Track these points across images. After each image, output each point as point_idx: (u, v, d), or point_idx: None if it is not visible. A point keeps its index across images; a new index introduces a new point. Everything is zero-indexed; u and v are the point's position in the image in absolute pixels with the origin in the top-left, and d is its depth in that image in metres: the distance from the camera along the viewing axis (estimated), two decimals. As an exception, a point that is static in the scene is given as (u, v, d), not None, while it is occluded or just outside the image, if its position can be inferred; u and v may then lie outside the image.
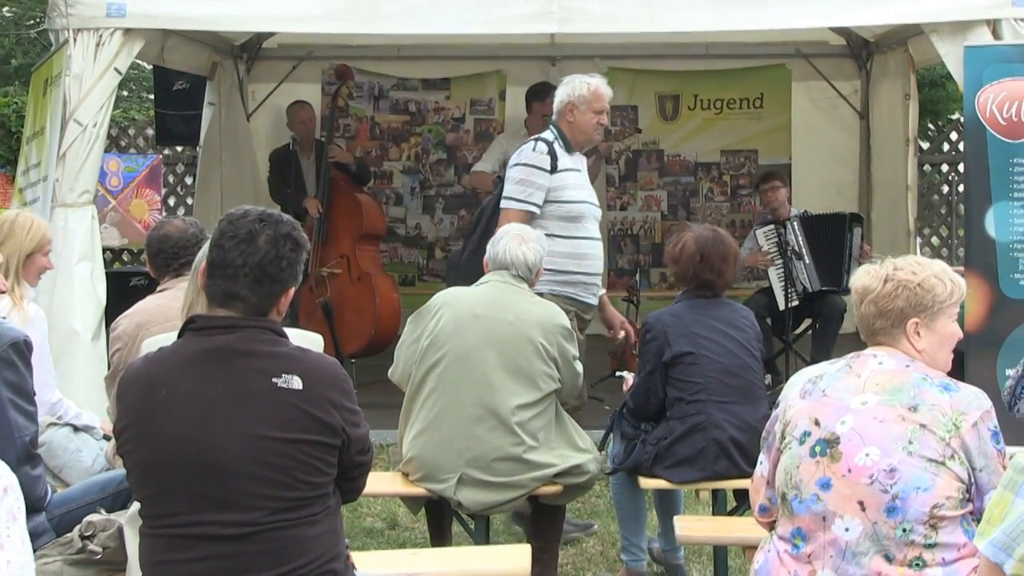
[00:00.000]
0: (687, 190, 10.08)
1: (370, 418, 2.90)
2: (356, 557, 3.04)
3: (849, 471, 2.80)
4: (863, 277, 3.01)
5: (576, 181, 5.28)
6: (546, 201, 5.17)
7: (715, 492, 4.65)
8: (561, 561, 4.84)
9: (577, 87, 5.29)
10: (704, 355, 4.49)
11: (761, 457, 3.13)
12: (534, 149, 5.23)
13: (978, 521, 2.61)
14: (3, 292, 3.86)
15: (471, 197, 9.97)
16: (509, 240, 4.53)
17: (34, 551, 3.31)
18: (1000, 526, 2.15)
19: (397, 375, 4.55)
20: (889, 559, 2.76)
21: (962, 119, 10.12)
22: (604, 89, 5.30)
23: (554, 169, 5.19)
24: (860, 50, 9.43)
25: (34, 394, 3.49)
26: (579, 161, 5.38)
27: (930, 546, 2.75)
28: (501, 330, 4.35)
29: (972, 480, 2.79)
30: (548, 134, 5.32)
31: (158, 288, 4.26)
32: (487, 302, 4.43)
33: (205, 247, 3.04)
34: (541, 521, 4.63)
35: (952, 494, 2.75)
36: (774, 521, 3.05)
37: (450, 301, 4.47)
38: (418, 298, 4.73)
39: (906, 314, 2.94)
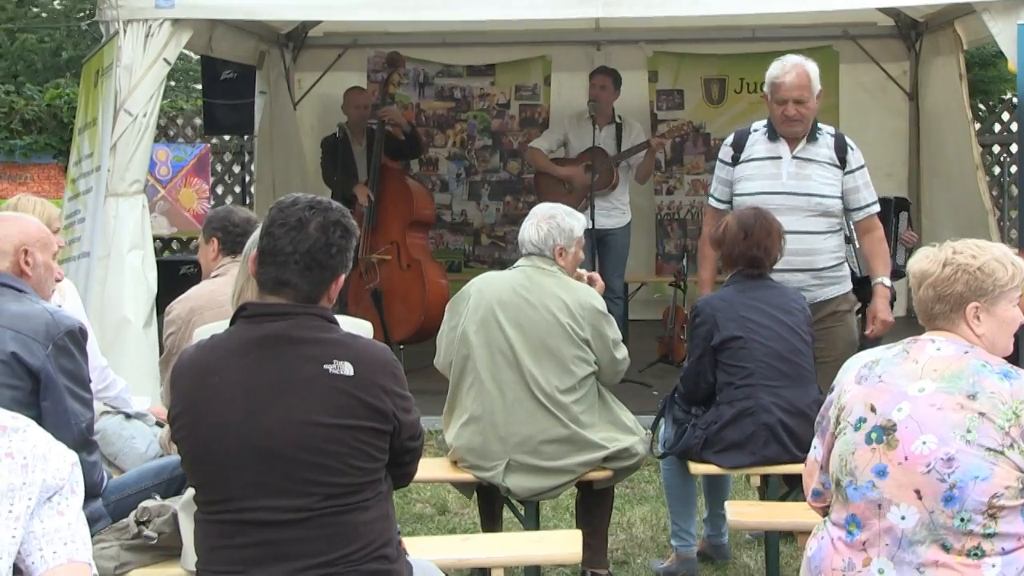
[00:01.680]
0: (733, 174, 10.00)
1: (419, 404, 2.91)
2: (406, 542, 3.05)
3: (906, 459, 2.76)
4: (921, 261, 2.96)
5: (760, 171, 5.07)
6: (733, 194, 5.13)
7: (765, 477, 4.63)
8: (611, 546, 4.84)
9: (770, 72, 5.07)
10: (754, 339, 4.47)
11: (815, 441, 3.10)
12: (725, 141, 5.21)
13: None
14: (60, 280, 3.90)
15: (517, 183, 9.99)
16: (526, 222, 4.55)
17: (91, 536, 3.37)
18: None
19: (440, 362, 4.59)
20: (946, 548, 2.72)
21: (1014, 99, 9.98)
22: (789, 76, 4.98)
23: (735, 161, 5.13)
24: (909, 30, 9.32)
25: (90, 381, 3.53)
26: (783, 148, 5.06)
27: (989, 535, 2.70)
28: (527, 314, 4.36)
29: None
30: (763, 121, 5.19)
31: (212, 273, 4.31)
32: (514, 288, 4.44)
33: (255, 235, 3.07)
34: (590, 506, 4.63)
35: (1011, 483, 2.70)
36: (827, 506, 3.03)
37: (481, 287, 4.49)
38: (463, 285, 4.75)
39: (965, 298, 2.88)
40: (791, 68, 5.02)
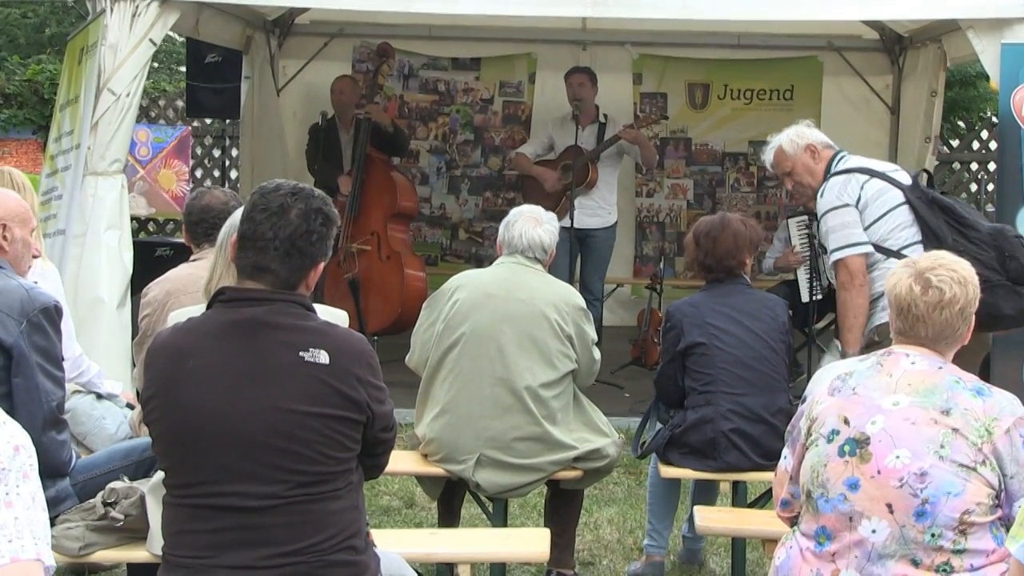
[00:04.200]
0: (714, 180, 10.04)
1: (392, 396, 2.91)
2: (374, 535, 3.04)
3: (879, 472, 2.78)
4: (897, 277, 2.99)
5: None
6: None
7: (735, 483, 4.65)
8: (578, 547, 4.84)
9: None
10: (716, 346, 4.49)
11: (785, 452, 3.11)
12: None
13: (1007, 528, 2.59)
14: (37, 256, 3.87)
15: (498, 179, 9.98)
16: (524, 223, 4.52)
17: (57, 516, 3.36)
18: (1033, 530, 2.13)
19: (414, 361, 4.57)
20: (916, 563, 2.74)
21: (993, 117, 10.05)
22: (768, 160, 5.08)
23: None
24: (893, 44, 9.35)
25: (63, 359, 3.51)
26: None
27: (959, 552, 2.73)
28: (514, 308, 4.37)
29: (1002, 487, 2.76)
30: None
31: (192, 257, 4.28)
32: (500, 282, 4.45)
33: (233, 219, 3.06)
34: (559, 505, 4.64)
35: (982, 500, 2.73)
36: (795, 516, 3.03)
37: (464, 283, 4.49)
38: (440, 278, 4.75)
39: None
40: (768, 152, 5.07)
